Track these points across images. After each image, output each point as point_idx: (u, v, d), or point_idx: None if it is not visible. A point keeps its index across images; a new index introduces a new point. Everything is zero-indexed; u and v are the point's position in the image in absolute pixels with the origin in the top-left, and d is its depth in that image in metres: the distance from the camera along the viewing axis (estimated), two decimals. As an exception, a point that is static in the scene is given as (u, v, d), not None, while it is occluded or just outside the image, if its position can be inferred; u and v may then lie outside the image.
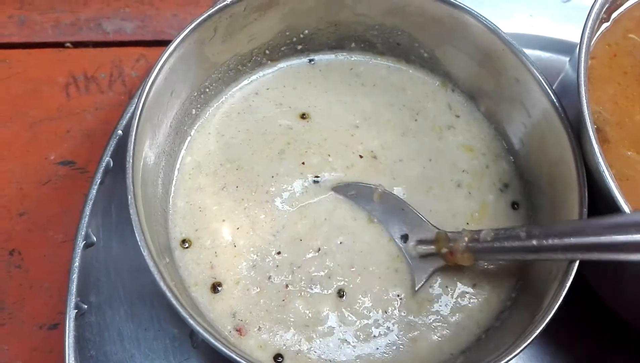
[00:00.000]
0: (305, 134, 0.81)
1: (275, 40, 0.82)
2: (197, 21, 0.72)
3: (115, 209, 0.79)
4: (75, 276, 0.75)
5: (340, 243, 0.76)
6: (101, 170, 0.80)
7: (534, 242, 0.64)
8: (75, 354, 0.73)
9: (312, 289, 0.74)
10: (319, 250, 0.75)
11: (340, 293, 0.74)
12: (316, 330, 0.72)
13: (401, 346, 0.72)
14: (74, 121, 0.91)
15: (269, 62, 0.84)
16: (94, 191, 0.79)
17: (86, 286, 0.76)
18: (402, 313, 0.73)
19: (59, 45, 0.96)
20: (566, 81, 0.77)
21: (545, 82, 0.73)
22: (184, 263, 0.74)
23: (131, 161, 0.66)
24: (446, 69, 0.83)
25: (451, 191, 0.79)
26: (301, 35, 0.83)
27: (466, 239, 0.70)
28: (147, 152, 0.71)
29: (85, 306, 0.75)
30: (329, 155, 0.80)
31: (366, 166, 0.80)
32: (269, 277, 0.74)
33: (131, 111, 0.82)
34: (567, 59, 0.83)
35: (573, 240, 0.61)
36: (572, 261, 0.64)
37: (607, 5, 0.73)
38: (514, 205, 0.78)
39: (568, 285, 0.64)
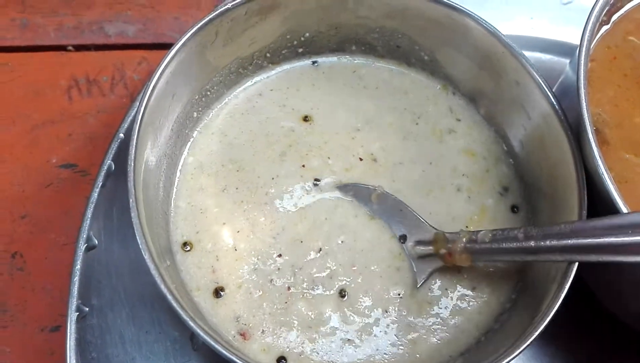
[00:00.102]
0: (306, 137, 0.81)
1: (276, 44, 0.83)
2: (199, 25, 0.73)
3: (117, 212, 0.80)
4: (76, 278, 0.75)
5: (342, 242, 0.76)
6: (103, 173, 0.80)
7: (532, 243, 0.64)
8: (76, 356, 0.73)
9: (314, 290, 0.74)
10: (320, 250, 0.76)
11: (342, 293, 0.74)
12: (319, 331, 0.72)
13: (401, 347, 0.72)
14: (76, 124, 0.91)
15: (270, 65, 0.85)
16: (95, 194, 0.79)
17: (88, 289, 0.76)
18: (403, 313, 0.73)
19: (61, 48, 0.97)
20: (566, 83, 0.77)
21: (545, 84, 0.73)
22: (186, 266, 0.74)
23: (132, 164, 0.66)
24: (446, 71, 0.84)
25: (451, 195, 0.79)
26: (302, 38, 0.83)
27: (464, 240, 0.71)
28: (148, 155, 0.71)
29: (87, 309, 0.76)
30: (329, 158, 0.80)
31: (366, 169, 0.80)
32: (271, 280, 0.74)
33: (133, 114, 0.83)
34: (568, 61, 0.84)
35: (571, 242, 0.62)
36: (571, 263, 0.64)
37: (607, 8, 0.73)
38: (514, 209, 0.79)
39: (567, 287, 0.64)
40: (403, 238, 0.76)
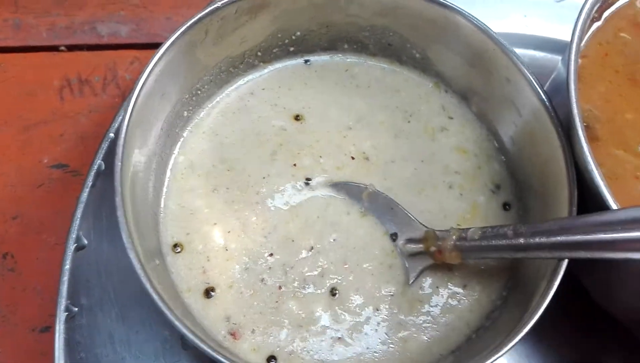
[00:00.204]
0: (298, 136, 0.81)
1: (267, 42, 0.82)
2: (188, 24, 0.72)
3: (107, 212, 0.79)
4: (65, 278, 0.75)
5: (334, 240, 0.76)
6: (93, 173, 0.80)
7: (521, 240, 0.64)
8: (65, 357, 0.73)
9: (305, 289, 0.74)
10: (312, 248, 0.75)
11: (333, 292, 0.73)
12: (309, 330, 0.72)
13: (391, 345, 0.72)
14: (68, 124, 0.91)
15: (262, 64, 0.84)
16: (85, 194, 0.79)
17: (77, 289, 0.76)
18: (394, 311, 0.73)
19: (54, 48, 0.96)
20: (558, 80, 0.77)
21: (535, 81, 0.72)
22: (177, 268, 0.74)
23: (119, 163, 0.66)
24: (438, 69, 0.83)
25: (443, 193, 0.79)
26: (293, 37, 0.83)
27: (454, 237, 0.70)
28: (137, 155, 0.71)
29: (76, 309, 0.75)
30: (321, 156, 0.80)
31: (358, 167, 0.80)
32: (262, 279, 0.74)
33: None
34: (561, 58, 0.83)
35: (560, 239, 0.61)
36: (560, 260, 0.64)
37: (598, 5, 0.73)
38: (506, 206, 0.78)
39: (556, 283, 0.63)
40: (394, 236, 0.76)
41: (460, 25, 0.76)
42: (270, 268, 0.74)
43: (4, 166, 0.88)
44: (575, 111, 0.65)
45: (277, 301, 0.73)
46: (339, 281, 0.74)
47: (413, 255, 0.74)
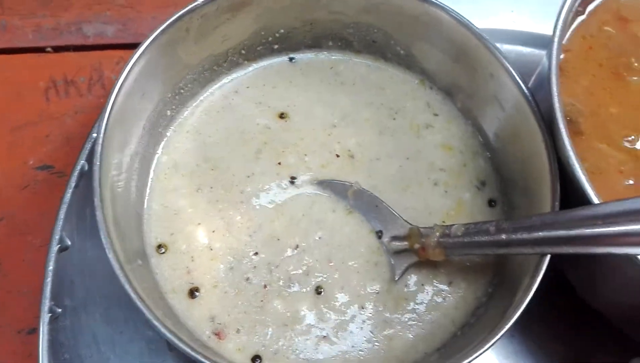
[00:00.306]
0: (282, 134, 0.81)
1: (250, 40, 0.82)
2: (167, 23, 0.72)
3: (90, 213, 0.78)
4: (49, 279, 0.75)
5: (319, 238, 0.76)
6: (76, 174, 0.79)
7: (503, 236, 0.64)
8: (49, 358, 0.73)
9: (290, 288, 0.73)
10: (297, 247, 0.75)
11: (319, 290, 0.73)
12: (294, 328, 0.72)
13: (377, 343, 0.71)
14: (54, 125, 0.90)
15: (246, 62, 0.84)
16: (68, 195, 0.78)
17: (61, 290, 0.76)
18: (379, 309, 0.73)
19: (40, 50, 0.96)
20: (542, 74, 0.76)
21: (517, 76, 0.72)
22: (161, 269, 0.73)
23: (98, 163, 0.66)
24: (423, 65, 0.83)
25: (428, 190, 0.78)
26: (277, 35, 0.83)
27: (437, 234, 0.70)
28: (118, 154, 0.71)
29: (60, 310, 0.75)
30: (306, 154, 0.79)
31: (343, 165, 0.79)
32: (247, 279, 0.74)
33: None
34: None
35: (541, 234, 0.61)
36: (543, 256, 0.64)
37: (581, -2, 0.73)
38: (491, 202, 0.78)
39: (539, 279, 0.63)
40: (380, 234, 0.76)
41: (442, 21, 0.76)
42: (255, 267, 0.74)
43: (-9, 168, 0.88)
44: (556, 104, 0.65)
45: (262, 301, 0.73)
46: (325, 280, 0.74)
47: (398, 252, 0.74)
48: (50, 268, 0.75)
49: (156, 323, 0.60)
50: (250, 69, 0.84)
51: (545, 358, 0.79)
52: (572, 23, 0.74)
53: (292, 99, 0.83)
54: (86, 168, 0.80)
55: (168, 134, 0.79)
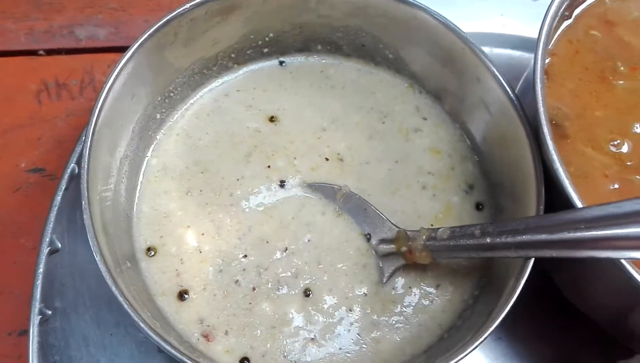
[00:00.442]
0: (272, 137, 0.81)
1: (240, 44, 0.82)
2: (155, 27, 0.72)
3: (80, 216, 0.78)
4: (39, 282, 0.75)
5: (308, 240, 0.76)
6: (66, 176, 0.80)
7: (488, 240, 0.64)
8: (39, 360, 0.73)
9: (279, 290, 0.74)
10: (286, 249, 0.75)
11: (307, 292, 0.74)
12: (282, 331, 0.72)
13: (364, 346, 0.72)
14: (46, 127, 0.91)
15: (236, 65, 0.84)
16: (58, 198, 0.79)
17: (51, 292, 0.76)
18: (367, 311, 0.73)
19: (33, 53, 0.96)
20: (529, 78, 0.76)
21: (503, 79, 0.73)
22: (150, 272, 0.74)
23: (86, 166, 0.66)
24: (411, 69, 0.83)
25: (417, 193, 0.79)
26: (267, 38, 0.83)
27: (424, 237, 0.70)
28: (106, 157, 0.71)
29: (50, 312, 0.75)
30: (295, 158, 0.80)
31: (332, 168, 0.80)
32: (236, 281, 0.74)
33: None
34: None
35: (525, 238, 0.62)
36: (527, 259, 0.64)
37: (567, 2, 0.73)
38: (479, 206, 0.78)
39: (523, 281, 0.63)
40: (369, 236, 0.76)
41: (429, 25, 0.76)
42: (244, 269, 0.74)
43: (-17, 171, 0.89)
44: (541, 109, 0.65)
45: (250, 303, 0.73)
46: (313, 282, 0.74)
47: (386, 255, 0.75)
48: (41, 270, 0.75)
49: (143, 325, 0.61)
50: (241, 72, 0.85)
51: (533, 360, 0.79)
52: (558, 27, 0.75)
53: (282, 102, 0.83)
54: (77, 170, 0.80)
55: (158, 137, 0.80)
